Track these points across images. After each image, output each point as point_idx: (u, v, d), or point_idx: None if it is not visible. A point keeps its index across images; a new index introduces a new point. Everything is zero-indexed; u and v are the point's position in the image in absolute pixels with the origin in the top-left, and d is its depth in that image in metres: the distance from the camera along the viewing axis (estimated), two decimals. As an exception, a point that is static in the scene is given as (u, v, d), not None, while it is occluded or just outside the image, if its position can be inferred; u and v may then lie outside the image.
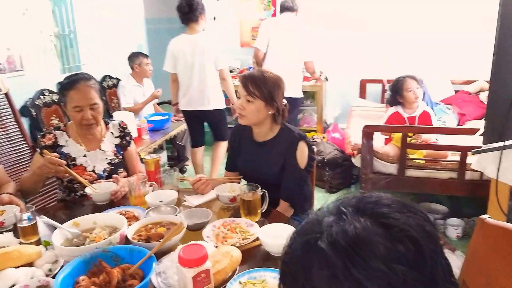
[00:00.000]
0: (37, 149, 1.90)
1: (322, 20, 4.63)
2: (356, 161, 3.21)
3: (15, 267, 1.22)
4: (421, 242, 0.51)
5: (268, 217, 1.62)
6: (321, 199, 3.53)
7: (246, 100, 1.75)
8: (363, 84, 4.85)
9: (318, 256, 0.52)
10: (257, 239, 1.38)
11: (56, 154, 1.76)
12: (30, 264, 1.26)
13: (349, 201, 0.58)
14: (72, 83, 1.84)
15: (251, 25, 4.96)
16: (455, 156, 2.91)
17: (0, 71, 3.27)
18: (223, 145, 3.68)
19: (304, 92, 4.35)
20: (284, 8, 3.81)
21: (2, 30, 3.25)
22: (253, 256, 1.35)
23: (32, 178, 1.79)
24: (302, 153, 1.76)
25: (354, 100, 4.76)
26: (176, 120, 4.16)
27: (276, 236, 1.33)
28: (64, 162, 1.73)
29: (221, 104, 3.56)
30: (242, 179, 1.92)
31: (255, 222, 1.51)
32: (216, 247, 1.32)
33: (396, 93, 3.10)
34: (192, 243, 1.09)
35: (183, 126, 4.20)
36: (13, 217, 1.49)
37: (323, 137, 4.24)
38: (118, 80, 4.29)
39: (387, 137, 3.20)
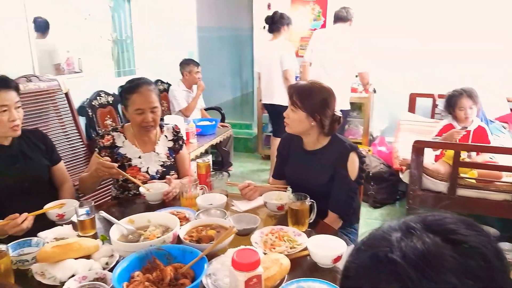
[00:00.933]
0: (96, 149, 2.00)
1: (372, 31, 4.57)
2: (404, 176, 3.13)
3: (75, 258, 1.29)
4: (491, 259, 0.52)
5: (316, 227, 1.61)
6: (365, 214, 3.47)
7: (291, 109, 1.79)
8: (412, 98, 4.72)
9: (389, 269, 0.52)
10: (305, 249, 1.37)
11: (107, 158, 1.84)
12: (88, 257, 1.33)
13: (415, 219, 0.59)
14: (135, 87, 1.94)
15: (300, 35, 4.98)
16: (510, 177, 2.76)
17: (62, 71, 3.48)
18: (276, 141, 3.93)
19: (351, 103, 4.31)
20: (337, 19, 3.79)
21: (65, 33, 3.46)
22: (301, 266, 1.35)
23: (90, 178, 1.88)
24: (353, 165, 1.74)
25: (403, 114, 4.63)
26: (221, 126, 4.25)
27: (325, 248, 1.33)
28: (116, 165, 1.80)
29: (282, 101, 3.81)
30: (289, 188, 1.93)
31: (303, 232, 1.51)
32: (265, 253, 1.33)
33: (449, 107, 3.00)
34: (245, 247, 1.11)
35: (229, 132, 4.28)
36: (73, 211, 1.58)
37: (369, 150, 4.16)
38: (169, 85, 4.43)
39: (438, 153, 3.09)
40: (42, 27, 3.29)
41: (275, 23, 3.89)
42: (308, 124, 1.76)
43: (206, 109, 4.57)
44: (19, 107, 1.70)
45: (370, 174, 3.62)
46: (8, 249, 1.27)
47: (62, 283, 1.19)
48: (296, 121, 1.77)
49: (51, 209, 1.60)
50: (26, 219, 1.47)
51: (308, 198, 1.58)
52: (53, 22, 3.36)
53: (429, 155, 3.08)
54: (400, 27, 4.62)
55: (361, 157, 1.78)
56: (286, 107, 3.90)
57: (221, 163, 4.40)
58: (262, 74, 4.06)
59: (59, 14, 3.39)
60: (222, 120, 4.61)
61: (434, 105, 4.60)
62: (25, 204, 1.53)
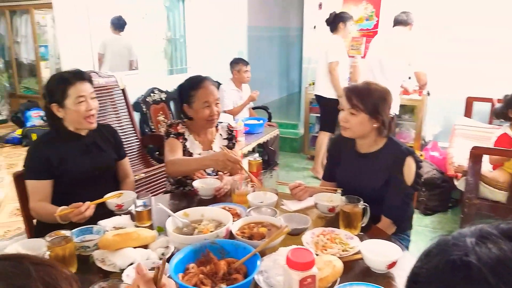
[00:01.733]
0: (171, 135, 2.01)
1: (428, 33, 4.40)
2: (459, 184, 2.99)
3: (133, 247, 1.34)
4: None
5: (367, 232, 1.58)
6: (415, 221, 3.32)
7: (350, 112, 1.72)
8: (469, 102, 4.49)
9: (464, 273, 0.50)
10: (358, 252, 1.35)
11: (235, 152, 1.81)
12: (145, 246, 1.38)
13: (488, 226, 0.56)
14: (199, 82, 2.02)
15: (351, 35, 4.88)
16: None
17: (119, 68, 3.64)
18: (322, 135, 4.31)
19: (402, 106, 4.19)
20: (397, 22, 3.72)
21: (124, 31, 3.62)
22: (353, 270, 1.33)
23: (194, 163, 1.89)
24: (409, 170, 1.68)
25: (458, 118, 4.43)
26: (268, 125, 4.27)
27: (379, 252, 1.30)
28: (241, 160, 1.80)
29: (324, 93, 4.12)
30: (339, 190, 1.90)
31: (355, 235, 1.49)
32: (317, 255, 1.32)
33: (509, 106, 2.79)
34: (300, 247, 1.11)
35: (275, 131, 4.29)
36: (131, 202, 1.65)
37: (421, 155, 4.02)
38: (219, 83, 4.51)
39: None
40: (120, 24, 3.52)
41: (332, 22, 4.06)
42: (369, 126, 1.71)
43: (254, 108, 4.61)
44: (94, 97, 1.80)
45: (422, 180, 3.49)
46: (73, 235, 1.35)
47: (121, 270, 1.25)
48: (357, 124, 1.71)
49: (111, 198, 1.68)
50: (88, 208, 1.55)
51: (362, 201, 1.55)
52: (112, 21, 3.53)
53: (487, 162, 2.93)
54: (457, 27, 4.42)
55: (418, 162, 1.72)
56: (325, 98, 4.02)
57: (267, 162, 4.42)
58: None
59: (119, 13, 3.55)
60: (269, 119, 4.63)
61: (493, 110, 4.36)
62: (91, 192, 1.62)
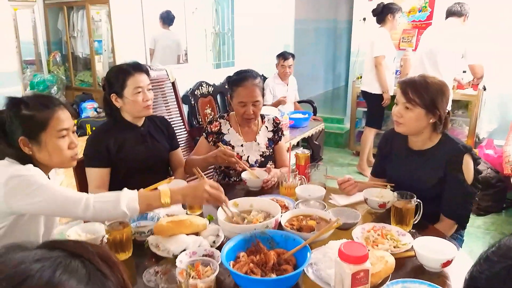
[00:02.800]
0: (203, 134, 2.12)
1: (484, 24, 4.17)
2: (517, 184, 2.83)
3: (186, 234, 1.39)
4: None
5: (420, 229, 1.54)
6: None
7: (405, 107, 1.65)
8: (529, 97, 4.23)
9: None
10: (411, 249, 1.32)
11: (229, 148, 1.95)
12: (197, 234, 1.42)
13: None
14: (241, 80, 2.02)
15: (402, 27, 4.73)
16: None
17: (170, 62, 3.75)
18: (367, 131, 4.21)
19: (456, 101, 4.01)
20: (450, 13, 3.54)
21: (175, 26, 3.71)
22: (405, 267, 1.30)
23: (202, 162, 1.98)
24: (467, 168, 1.61)
25: (516, 115, 4.19)
26: (314, 119, 4.23)
27: (434, 250, 1.27)
28: (236, 154, 1.91)
29: (370, 88, 4.04)
30: (389, 185, 1.86)
31: (407, 232, 1.45)
32: (368, 250, 1.30)
33: None
34: (352, 241, 1.10)
35: (321, 126, 4.25)
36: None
37: (479, 163, 3.82)
38: (265, 77, 4.52)
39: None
40: (169, 19, 3.63)
41: (380, 13, 3.93)
42: (426, 122, 1.64)
43: (298, 102, 4.58)
44: (150, 89, 1.87)
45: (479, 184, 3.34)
46: (130, 220, 1.42)
47: (175, 256, 1.29)
48: (413, 120, 1.64)
49: (162, 184, 1.73)
50: None
51: (415, 198, 1.51)
52: (164, 16, 3.63)
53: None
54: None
55: (475, 160, 1.65)
56: (371, 94, 3.96)
57: (311, 157, 4.38)
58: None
59: (171, 8, 3.64)
60: (314, 113, 4.58)
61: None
62: (146, 180, 1.68)
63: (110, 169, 1.84)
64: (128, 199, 1.33)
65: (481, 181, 3.30)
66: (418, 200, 1.52)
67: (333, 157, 4.89)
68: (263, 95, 2.10)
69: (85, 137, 2.11)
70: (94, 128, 2.04)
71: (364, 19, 4.89)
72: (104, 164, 1.83)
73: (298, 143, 3.98)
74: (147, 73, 1.88)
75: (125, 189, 1.39)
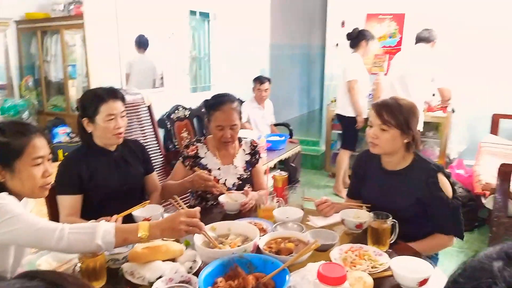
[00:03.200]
0: (180, 158, 2.11)
1: (452, 48, 4.37)
2: (488, 202, 2.91)
3: (162, 261, 1.36)
4: None
5: (396, 249, 1.55)
6: (441, 240, 3.27)
7: (380, 129, 1.69)
8: (495, 119, 4.40)
9: None
10: (388, 269, 1.33)
11: (206, 172, 1.93)
12: (173, 260, 1.39)
13: None
14: (218, 104, 2.03)
15: (372, 53, 4.89)
16: None
17: (145, 86, 3.74)
18: (342, 153, 4.27)
19: (426, 123, 4.14)
20: (419, 39, 3.72)
21: (151, 51, 3.72)
22: (383, 286, 1.31)
23: (178, 188, 1.96)
24: (444, 185, 1.67)
25: (484, 135, 4.34)
26: (290, 142, 4.27)
27: (410, 269, 1.28)
28: (213, 178, 1.90)
29: (344, 111, 4.12)
30: (364, 206, 1.88)
31: (383, 252, 1.47)
32: (346, 271, 1.30)
33: None
34: (331, 262, 1.10)
35: (297, 148, 4.29)
36: (158, 216, 1.67)
37: (451, 181, 3.93)
38: (241, 101, 4.56)
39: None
40: (143, 43, 3.64)
41: (355, 38, 4.05)
42: (401, 142, 1.69)
43: (275, 125, 4.63)
44: (123, 116, 1.85)
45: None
46: (103, 248, 1.37)
47: (150, 284, 1.26)
48: (389, 140, 1.68)
49: (136, 208, 1.70)
50: (116, 221, 1.58)
51: (390, 218, 1.53)
52: (140, 41, 3.64)
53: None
54: (482, 43, 4.37)
55: (448, 177, 1.70)
56: (345, 116, 4.05)
57: (288, 179, 4.40)
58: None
59: (147, 33, 3.66)
60: (291, 136, 4.63)
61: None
62: (120, 206, 1.65)
63: (82, 196, 1.79)
64: (103, 232, 1.27)
65: (459, 199, 3.41)
66: (394, 220, 1.54)
67: (310, 179, 4.93)
68: (240, 119, 2.11)
69: (57, 163, 2.05)
70: (66, 154, 2.00)
71: (337, 44, 5.04)
72: (76, 191, 1.78)
73: (275, 165, 4.00)
74: (123, 100, 1.86)
75: (103, 221, 1.35)
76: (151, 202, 1.91)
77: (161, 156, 3.50)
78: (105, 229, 1.28)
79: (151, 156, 3.38)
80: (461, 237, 1.73)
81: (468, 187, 3.57)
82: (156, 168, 3.41)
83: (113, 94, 1.81)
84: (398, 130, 1.67)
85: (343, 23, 4.98)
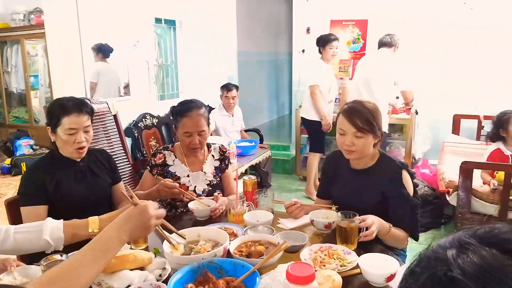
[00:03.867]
0: (147, 167, 2.08)
1: (413, 52, 4.53)
2: (451, 199, 3.02)
3: (130, 269, 1.33)
4: None
5: (365, 247, 1.58)
6: (409, 239, 3.35)
7: (355, 136, 1.70)
8: (456, 119, 4.60)
9: None
10: (357, 267, 1.35)
11: (170, 180, 1.92)
12: (142, 268, 1.37)
13: (466, 233, 0.56)
14: (186, 110, 2.02)
15: (339, 57, 5.01)
16: None
17: (111, 94, 3.67)
18: (311, 156, 4.32)
19: (391, 125, 4.26)
20: (381, 44, 3.84)
21: (116, 59, 3.66)
22: (352, 284, 1.33)
23: (147, 197, 1.92)
24: (407, 183, 1.71)
25: (446, 135, 4.52)
26: (260, 147, 4.30)
27: (377, 266, 1.31)
28: (177, 185, 1.88)
29: (307, 115, 4.18)
30: (334, 207, 1.92)
31: (352, 250, 1.49)
32: (315, 270, 1.32)
33: (500, 126, 2.91)
34: (299, 262, 1.11)
35: (267, 153, 4.32)
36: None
37: (415, 178, 4.05)
38: (210, 108, 4.55)
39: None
40: (104, 51, 3.56)
41: (317, 45, 4.11)
42: (372, 143, 1.73)
43: (245, 131, 4.64)
44: (88, 131, 1.78)
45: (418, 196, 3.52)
46: (68, 258, 1.33)
47: (119, 293, 1.23)
48: (366, 146, 1.71)
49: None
50: None
51: (358, 216, 1.56)
52: (103, 49, 3.58)
53: (477, 177, 2.97)
54: (441, 48, 4.56)
55: (411, 174, 1.75)
56: (309, 120, 4.15)
57: (260, 184, 4.42)
58: None
59: (111, 41, 3.60)
60: (261, 141, 4.66)
61: (480, 127, 4.46)
62: (87, 217, 1.60)
63: (47, 207, 1.73)
64: (51, 228, 1.25)
65: (419, 199, 3.51)
66: (360, 218, 1.57)
67: (282, 183, 4.96)
68: (208, 124, 2.10)
69: (20, 176, 1.98)
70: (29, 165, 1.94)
71: (303, 50, 5.12)
72: (41, 202, 1.72)
73: (246, 170, 4.00)
74: (90, 113, 1.79)
75: (49, 218, 1.32)
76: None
77: (129, 166, 3.44)
78: (52, 225, 1.27)
79: (118, 165, 3.33)
80: (415, 238, 1.76)
81: (433, 185, 3.69)
82: (124, 177, 3.35)
83: (78, 107, 1.74)
84: (371, 135, 1.71)
85: (308, 30, 5.07)
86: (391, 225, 1.65)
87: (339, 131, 1.76)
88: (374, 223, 1.53)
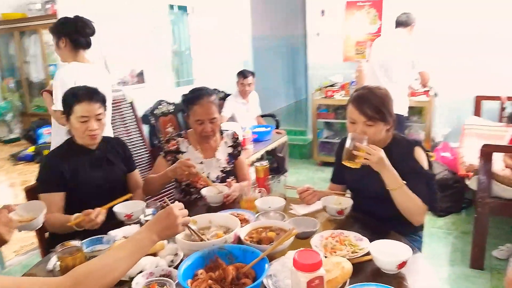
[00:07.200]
0: (161, 153, 2.09)
1: (433, 32, 4.39)
2: (471, 183, 2.95)
3: (143, 256, 1.35)
4: None
5: (377, 233, 1.56)
6: (428, 223, 3.30)
7: (366, 125, 1.66)
8: (478, 101, 4.46)
9: None
10: (368, 253, 1.34)
11: (189, 158, 1.91)
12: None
13: None
14: (196, 98, 2.02)
15: (355, 39, 4.90)
16: None
17: (125, 83, 3.69)
18: None
19: (410, 107, 4.16)
20: (398, 24, 3.70)
21: (130, 47, 3.67)
22: (363, 271, 1.32)
23: (160, 179, 1.95)
24: (420, 157, 1.68)
25: (467, 117, 4.39)
26: (276, 132, 4.27)
27: (389, 253, 1.29)
28: (195, 165, 1.87)
29: None
30: (347, 193, 1.90)
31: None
32: (325, 257, 1.32)
33: None
34: (306, 249, 1.10)
35: (283, 138, 4.30)
36: (140, 212, 1.66)
37: (431, 156, 3.97)
38: (226, 94, 4.54)
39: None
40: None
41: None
42: (384, 130, 1.70)
43: (261, 116, 4.61)
44: (100, 119, 1.80)
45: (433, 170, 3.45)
46: (83, 245, 1.36)
47: (131, 279, 1.25)
48: (377, 133, 1.67)
49: (120, 201, 1.70)
50: (99, 214, 1.58)
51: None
52: (122, 37, 3.58)
53: (499, 160, 2.89)
54: (461, 25, 4.40)
55: (426, 151, 1.72)
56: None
57: (276, 169, 4.41)
58: None
59: (128, 29, 3.61)
60: (277, 126, 4.64)
61: (502, 108, 4.32)
62: (103, 204, 1.65)
63: (65, 194, 1.78)
64: None
65: (439, 183, 3.43)
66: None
67: (298, 168, 4.94)
68: (220, 112, 2.10)
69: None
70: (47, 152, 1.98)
71: (318, 34, 5.03)
72: (58, 189, 1.76)
73: (262, 156, 4.00)
74: (103, 101, 1.82)
75: None
76: (134, 199, 1.89)
77: (146, 152, 3.48)
78: None
79: (136, 152, 3.40)
80: (434, 210, 1.73)
81: (453, 169, 3.61)
82: (142, 163, 3.41)
83: (89, 95, 1.76)
84: (382, 122, 1.67)
85: (322, 12, 4.97)
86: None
87: (349, 119, 1.72)
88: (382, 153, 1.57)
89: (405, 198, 1.61)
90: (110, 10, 3.45)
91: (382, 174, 1.60)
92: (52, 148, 2.37)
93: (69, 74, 2.35)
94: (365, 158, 1.56)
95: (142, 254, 1.13)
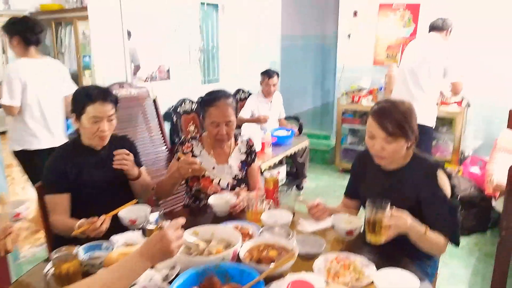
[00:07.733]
0: (175, 155, 2.07)
1: (468, 40, 4.19)
2: (497, 204, 2.80)
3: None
4: None
5: (387, 258, 1.48)
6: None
7: (386, 142, 1.57)
8: (513, 113, 4.22)
9: None
10: (372, 283, 1.27)
11: (189, 155, 1.89)
12: (151, 266, 1.36)
13: None
14: (213, 100, 1.98)
15: (387, 43, 4.74)
16: None
17: (152, 79, 3.71)
18: None
19: (440, 118, 3.98)
20: (432, 28, 3.51)
21: (157, 43, 3.69)
22: (366, 300, 1.25)
23: (169, 180, 1.93)
24: (444, 183, 1.58)
25: (501, 131, 4.16)
26: (298, 136, 4.20)
27: (395, 283, 1.22)
28: (198, 161, 1.84)
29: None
30: (360, 210, 1.82)
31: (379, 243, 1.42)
32: (327, 282, 1.25)
33: None
34: (301, 279, 1.05)
35: (305, 143, 4.21)
36: (144, 217, 1.65)
37: (459, 170, 3.80)
38: (250, 94, 4.50)
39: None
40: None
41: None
42: (404, 148, 1.60)
43: (285, 118, 4.53)
44: (112, 120, 1.80)
45: (459, 197, 3.30)
46: (79, 252, 1.36)
47: (124, 291, 1.23)
48: (396, 151, 1.58)
49: (124, 207, 1.68)
50: (104, 222, 1.56)
51: (388, 205, 1.44)
52: (146, 33, 3.60)
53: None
54: (501, 34, 4.17)
55: (448, 174, 1.61)
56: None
57: (295, 175, 4.33)
58: None
59: (158, 25, 3.63)
60: (300, 130, 4.54)
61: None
62: (109, 204, 1.63)
63: (69, 195, 1.78)
64: None
65: (464, 200, 3.26)
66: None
67: (319, 174, 4.84)
68: (236, 115, 2.06)
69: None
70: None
71: (349, 35, 4.90)
72: (63, 190, 1.76)
73: (281, 161, 3.93)
74: (114, 102, 1.81)
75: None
76: (143, 199, 1.88)
77: (166, 149, 3.50)
78: None
79: (156, 149, 3.42)
80: (456, 243, 1.61)
81: (481, 186, 3.44)
82: (161, 160, 3.42)
83: (102, 96, 1.75)
84: (403, 138, 1.58)
85: (355, 13, 4.83)
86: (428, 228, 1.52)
87: (368, 133, 1.63)
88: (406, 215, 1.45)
89: (429, 244, 1.54)
90: (142, 5, 3.48)
91: (408, 232, 1.50)
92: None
93: (14, 70, 2.70)
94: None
95: (133, 279, 1.11)
